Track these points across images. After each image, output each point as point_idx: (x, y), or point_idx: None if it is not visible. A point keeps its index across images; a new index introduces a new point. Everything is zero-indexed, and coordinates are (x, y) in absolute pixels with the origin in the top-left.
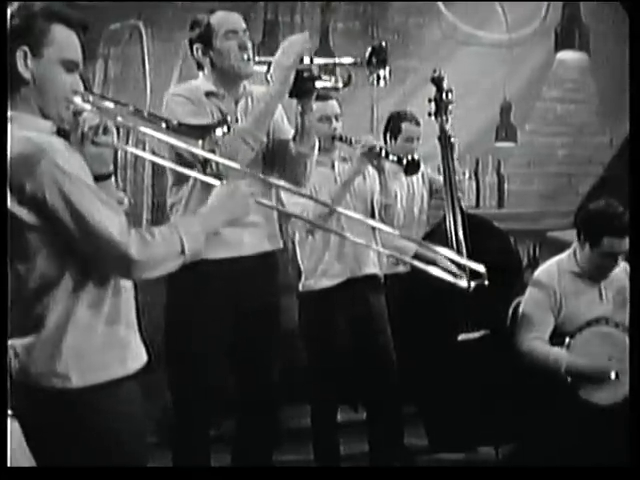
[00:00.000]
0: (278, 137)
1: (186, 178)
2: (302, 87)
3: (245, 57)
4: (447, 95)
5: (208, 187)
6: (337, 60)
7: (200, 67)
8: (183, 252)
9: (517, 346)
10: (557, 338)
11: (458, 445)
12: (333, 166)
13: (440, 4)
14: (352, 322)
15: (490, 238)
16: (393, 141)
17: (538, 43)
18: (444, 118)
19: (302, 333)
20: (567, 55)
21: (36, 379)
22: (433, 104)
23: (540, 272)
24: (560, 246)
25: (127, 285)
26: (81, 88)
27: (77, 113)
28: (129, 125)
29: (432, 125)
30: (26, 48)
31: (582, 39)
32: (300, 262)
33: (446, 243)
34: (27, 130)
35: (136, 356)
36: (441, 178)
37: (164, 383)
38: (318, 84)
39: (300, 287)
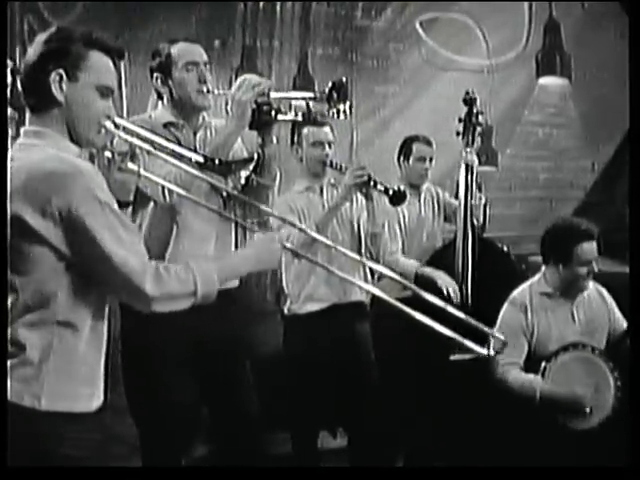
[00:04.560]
0: None
1: (143, 205)
2: (261, 119)
3: (204, 89)
4: (477, 117)
5: (169, 214)
6: (297, 94)
7: (160, 96)
8: (195, 294)
9: (491, 372)
10: (532, 362)
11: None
12: (322, 192)
13: (420, 30)
14: (336, 348)
15: (497, 262)
16: (406, 162)
17: (519, 69)
18: (470, 139)
19: (286, 357)
20: (548, 81)
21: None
22: (462, 124)
23: (513, 296)
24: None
25: (104, 325)
26: (113, 114)
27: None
28: (159, 155)
29: (448, 149)
30: (62, 71)
31: (563, 65)
32: (285, 286)
33: (453, 266)
34: (56, 149)
35: (100, 395)
36: (456, 201)
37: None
38: (278, 117)
39: (285, 311)
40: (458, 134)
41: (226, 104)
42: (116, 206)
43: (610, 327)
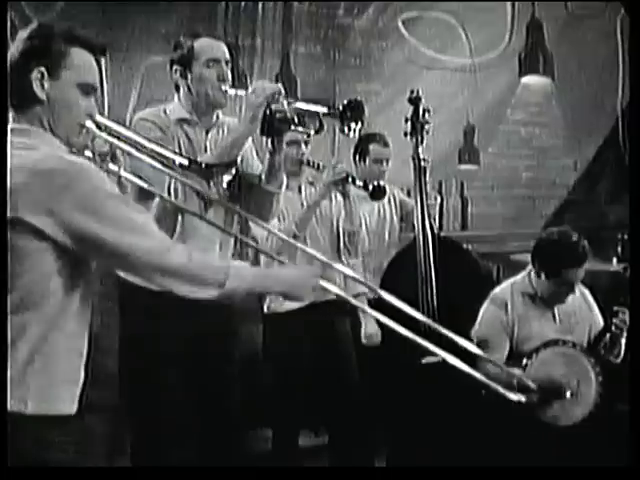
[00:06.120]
0: (246, 171)
1: (151, 196)
2: (275, 127)
3: (223, 88)
4: (424, 115)
5: (173, 215)
6: (311, 107)
7: (177, 89)
8: (222, 286)
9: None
10: (514, 360)
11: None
12: (300, 190)
13: (402, 28)
14: (316, 345)
15: (459, 261)
16: (362, 163)
17: (502, 68)
18: (419, 138)
19: (266, 356)
20: (531, 79)
21: None
22: (409, 124)
23: (494, 294)
24: (523, 268)
25: (87, 325)
26: (95, 113)
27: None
28: (140, 156)
29: (402, 147)
30: (43, 69)
31: (546, 64)
32: None
33: (415, 266)
34: (46, 145)
35: (78, 396)
36: (411, 200)
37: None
38: (291, 128)
39: (265, 309)
40: (406, 134)
41: (240, 106)
42: (124, 195)
43: (591, 327)
